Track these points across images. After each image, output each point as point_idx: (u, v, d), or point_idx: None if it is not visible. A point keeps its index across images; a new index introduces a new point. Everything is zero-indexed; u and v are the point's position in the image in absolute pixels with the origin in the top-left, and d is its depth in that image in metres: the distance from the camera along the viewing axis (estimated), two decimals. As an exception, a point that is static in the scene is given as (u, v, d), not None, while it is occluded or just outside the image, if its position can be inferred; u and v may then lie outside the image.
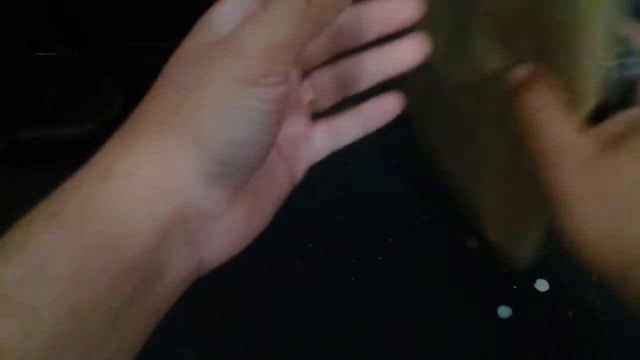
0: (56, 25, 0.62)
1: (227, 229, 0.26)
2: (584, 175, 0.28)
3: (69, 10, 0.60)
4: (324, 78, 0.32)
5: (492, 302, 0.48)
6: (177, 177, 0.24)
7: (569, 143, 0.29)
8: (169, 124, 0.24)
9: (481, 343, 0.46)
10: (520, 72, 0.31)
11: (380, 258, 0.50)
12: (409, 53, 0.31)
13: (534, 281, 0.48)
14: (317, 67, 0.32)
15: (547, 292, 0.48)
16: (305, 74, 0.32)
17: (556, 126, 0.29)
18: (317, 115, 0.33)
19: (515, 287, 0.48)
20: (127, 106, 0.55)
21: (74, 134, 0.54)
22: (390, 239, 0.50)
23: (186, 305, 0.48)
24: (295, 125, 0.31)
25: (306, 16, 0.23)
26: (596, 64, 0.28)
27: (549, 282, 0.48)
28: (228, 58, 0.23)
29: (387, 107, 0.32)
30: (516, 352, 0.46)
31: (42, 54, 0.61)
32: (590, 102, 0.29)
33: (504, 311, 0.47)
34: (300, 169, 0.32)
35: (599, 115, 0.30)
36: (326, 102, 0.32)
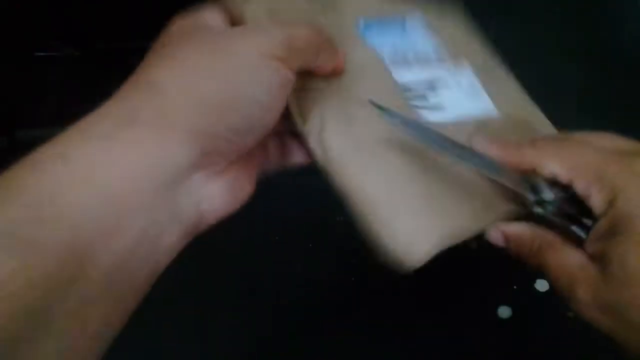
0: (56, 25, 0.62)
1: (222, 189, 0.28)
2: (602, 305, 0.29)
3: (69, 10, 0.60)
4: None
5: (492, 302, 0.48)
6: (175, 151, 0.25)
7: (577, 275, 0.30)
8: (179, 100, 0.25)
9: (481, 343, 0.46)
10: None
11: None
12: None
13: (534, 281, 0.48)
14: None
15: (547, 292, 0.48)
16: None
17: (560, 260, 0.31)
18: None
19: (515, 287, 0.48)
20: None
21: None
22: (390, 239, 0.50)
23: (187, 304, 0.48)
24: None
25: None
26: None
27: (549, 282, 0.48)
28: (251, 34, 0.27)
29: None
30: (516, 352, 0.46)
31: (42, 54, 0.61)
32: None
33: (504, 311, 0.47)
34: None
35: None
36: None
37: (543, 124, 0.37)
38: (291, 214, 0.51)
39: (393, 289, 0.49)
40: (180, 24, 0.28)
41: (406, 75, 0.35)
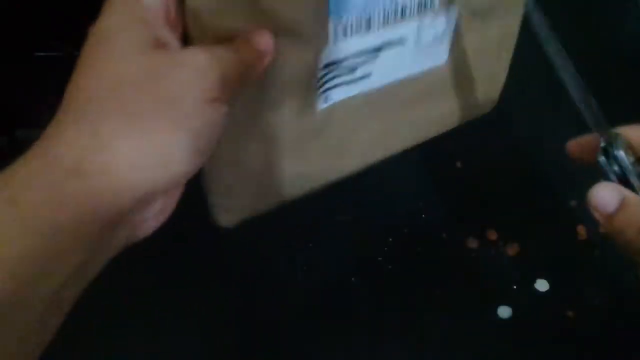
0: (56, 25, 0.62)
1: (156, 211, 0.28)
2: None
3: (69, 10, 0.60)
4: None
5: (492, 302, 0.48)
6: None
7: None
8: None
9: (481, 343, 0.46)
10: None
11: (380, 258, 0.50)
12: None
13: (534, 281, 0.48)
14: None
15: (547, 292, 0.48)
16: None
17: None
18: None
19: (515, 287, 0.48)
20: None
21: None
22: (390, 239, 0.50)
23: (188, 303, 0.48)
24: None
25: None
26: None
27: (549, 282, 0.48)
28: (187, 77, 0.25)
29: None
30: (516, 352, 0.46)
31: (42, 54, 0.61)
32: None
33: (504, 311, 0.47)
34: None
35: None
36: None
37: (486, 81, 0.37)
38: (292, 214, 0.51)
39: (393, 289, 0.48)
40: (101, 36, 0.27)
41: (345, 48, 0.32)
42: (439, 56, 0.36)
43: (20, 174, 0.23)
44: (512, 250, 0.49)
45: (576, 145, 0.33)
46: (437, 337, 0.46)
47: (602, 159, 0.31)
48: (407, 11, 0.34)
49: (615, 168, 0.31)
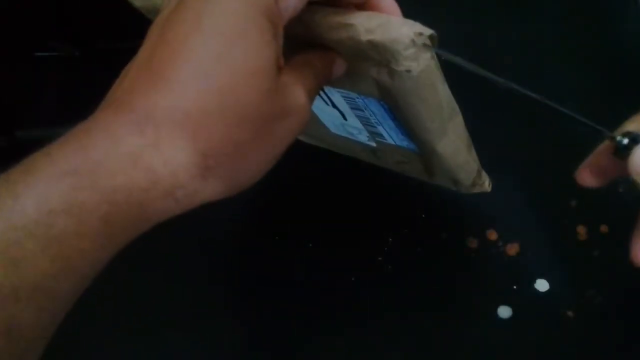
0: (56, 25, 0.62)
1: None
2: None
3: (69, 10, 0.60)
4: None
5: (492, 302, 0.48)
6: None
7: None
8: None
9: (481, 343, 0.46)
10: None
11: (380, 258, 0.50)
12: None
13: (534, 281, 0.48)
14: None
15: (547, 292, 0.48)
16: None
17: None
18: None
19: (515, 287, 0.48)
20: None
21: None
22: (390, 239, 0.50)
23: (188, 302, 0.48)
24: None
25: None
26: None
27: (549, 282, 0.48)
28: None
29: None
30: (516, 352, 0.46)
31: (42, 54, 0.61)
32: None
33: (504, 311, 0.47)
34: None
35: None
36: None
37: (458, 169, 0.39)
38: (291, 213, 0.51)
39: (393, 289, 0.48)
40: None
41: None
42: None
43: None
44: (512, 250, 0.49)
45: (588, 169, 0.33)
46: (437, 337, 0.46)
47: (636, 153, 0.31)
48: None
49: None
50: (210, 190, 0.25)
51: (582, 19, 0.64)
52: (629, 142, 0.31)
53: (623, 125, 0.31)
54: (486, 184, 0.42)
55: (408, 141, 0.38)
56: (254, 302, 0.48)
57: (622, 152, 0.31)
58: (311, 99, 0.29)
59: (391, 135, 0.39)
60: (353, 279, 0.49)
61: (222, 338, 0.47)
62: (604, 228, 0.50)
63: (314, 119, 0.44)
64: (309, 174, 0.46)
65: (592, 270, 0.49)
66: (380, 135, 0.40)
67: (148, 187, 0.22)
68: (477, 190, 0.42)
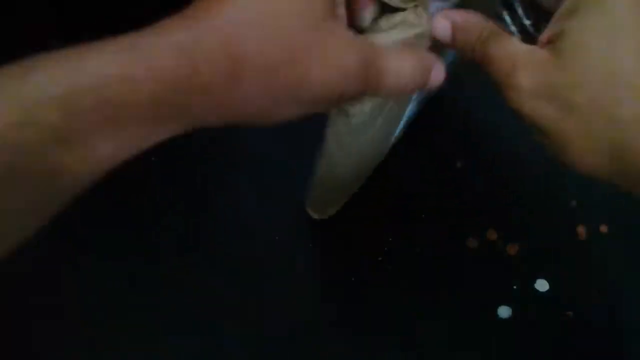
0: (56, 25, 0.62)
1: None
2: (546, 89, 0.28)
3: (69, 9, 0.60)
4: None
5: (492, 302, 0.48)
6: None
7: (520, 60, 0.29)
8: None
9: (481, 343, 0.46)
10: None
11: (380, 258, 0.50)
12: None
13: (534, 281, 0.48)
14: None
15: (547, 292, 0.48)
16: None
17: (504, 47, 0.30)
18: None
19: (515, 287, 0.48)
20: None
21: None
22: (390, 239, 0.50)
23: (184, 302, 0.48)
24: None
25: None
26: None
27: (549, 282, 0.48)
28: None
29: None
30: (516, 352, 0.46)
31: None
32: None
33: (504, 311, 0.47)
34: None
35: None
36: None
37: None
38: (291, 213, 0.51)
39: (393, 289, 0.49)
40: None
41: None
42: None
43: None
44: (512, 250, 0.49)
45: (462, 24, 0.33)
46: (437, 337, 0.46)
47: (506, 16, 0.31)
48: None
49: (516, 24, 0.31)
50: (239, 98, 0.26)
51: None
52: (507, 18, 0.32)
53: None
54: None
55: None
56: (254, 302, 0.48)
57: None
58: (375, 76, 0.28)
59: None
60: (353, 279, 0.49)
61: (219, 338, 0.47)
62: (603, 228, 0.50)
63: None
64: (308, 173, 0.46)
65: (592, 270, 0.49)
66: None
67: (190, 75, 0.24)
68: None
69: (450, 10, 0.32)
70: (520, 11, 0.31)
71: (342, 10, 0.29)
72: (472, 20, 0.32)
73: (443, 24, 0.32)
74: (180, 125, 0.25)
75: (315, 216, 0.50)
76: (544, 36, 0.29)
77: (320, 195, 0.48)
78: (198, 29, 0.25)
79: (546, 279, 0.48)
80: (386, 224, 0.51)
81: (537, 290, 0.48)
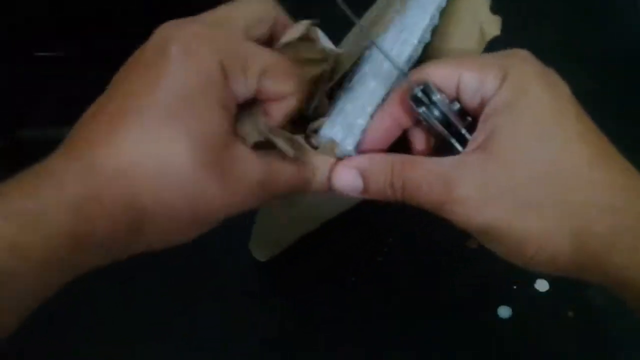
0: (56, 25, 0.62)
1: None
2: (493, 191, 0.27)
3: (69, 10, 0.60)
4: None
5: (492, 302, 0.48)
6: None
7: (452, 175, 0.28)
8: None
9: (481, 343, 0.46)
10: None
11: (380, 258, 0.50)
12: None
13: (534, 281, 0.48)
14: None
15: (547, 292, 0.48)
16: None
17: (428, 168, 0.29)
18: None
19: (515, 287, 0.48)
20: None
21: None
22: (390, 239, 0.50)
23: (183, 303, 0.48)
24: None
25: None
26: None
27: (549, 282, 0.48)
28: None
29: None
30: (516, 352, 0.46)
31: (42, 54, 0.61)
32: None
33: (504, 311, 0.47)
34: None
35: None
36: None
37: None
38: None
39: (393, 289, 0.49)
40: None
41: None
42: None
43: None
44: (512, 250, 0.49)
45: (399, 105, 0.31)
46: (437, 337, 0.46)
47: (422, 109, 0.30)
48: None
49: (436, 113, 0.30)
50: (143, 244, 0.26)
51: (584, 20, 0.64)
52: (422, 95, 0.30)
53: (435, 66, 0.30)
54: None
55: None
56: (254, 302, 0.48)
57: (416, 103, 0.30)
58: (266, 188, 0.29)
59: None
60: (353, 279, 0.49)
61: (220, 338, 0.47)
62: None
63: None
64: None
65: (592, 270, 0.49)
66: None
67: (89, 234, 0.24)
68: None
69: (350, 159, 0.31)
70: (438, 99, 0.30)
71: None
72: (376, 159, 0.30)
73: (350, 176, 0.30)
74: (71, 276, 0.25)
75: (260, 259, 0.49)
76: (473, 141, 0.28)
77: (260, 238, 0.48)
78: (94, 179, 0.24)
79: (546, 279, 0.48)
80: (386, 224, 0.51)
81: (537, 290, 0.48)
